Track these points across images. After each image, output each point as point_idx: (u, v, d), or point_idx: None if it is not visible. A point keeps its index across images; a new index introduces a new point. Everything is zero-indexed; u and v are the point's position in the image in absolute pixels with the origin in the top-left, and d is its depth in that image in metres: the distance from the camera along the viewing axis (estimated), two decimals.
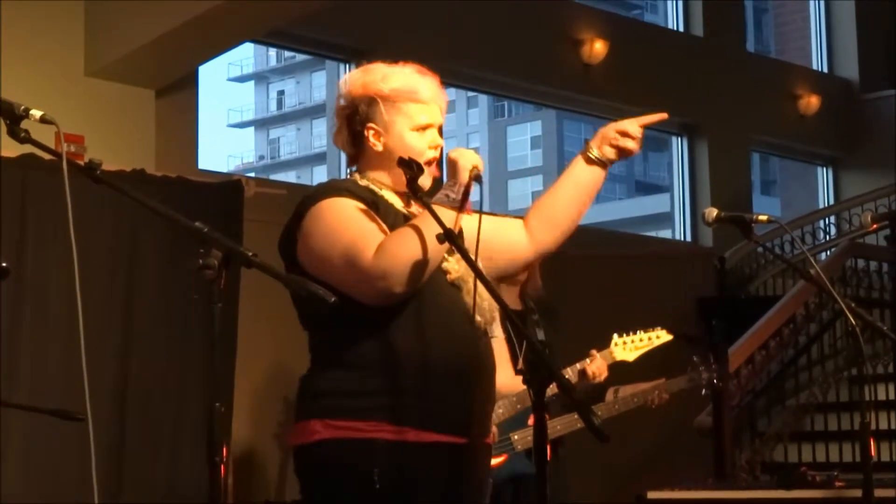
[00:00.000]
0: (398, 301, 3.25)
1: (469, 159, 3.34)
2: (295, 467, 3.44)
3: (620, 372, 5.53)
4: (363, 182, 3.47)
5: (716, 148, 13.64)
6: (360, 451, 3.27)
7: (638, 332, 5.37)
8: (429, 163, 3.45)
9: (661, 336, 5.42)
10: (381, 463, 3.26)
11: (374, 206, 3.38)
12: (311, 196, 3.40)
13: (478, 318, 3.40)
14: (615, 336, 5.36)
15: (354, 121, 3.50)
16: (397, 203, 3.47)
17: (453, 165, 3.35)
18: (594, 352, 5.32)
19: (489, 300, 3.39)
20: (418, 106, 3.48)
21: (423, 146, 3.46)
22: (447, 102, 3.58)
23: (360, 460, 3.27)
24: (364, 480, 3.26)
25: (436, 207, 3.26)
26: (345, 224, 3.30)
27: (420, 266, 3.22)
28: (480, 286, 3.34)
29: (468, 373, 3.36)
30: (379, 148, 3.48)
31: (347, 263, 3.23)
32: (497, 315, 3.47)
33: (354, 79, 3.54)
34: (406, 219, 3.39)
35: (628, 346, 5.34)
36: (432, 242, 3.20)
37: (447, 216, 3.25)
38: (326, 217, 3.32)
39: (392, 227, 3.32)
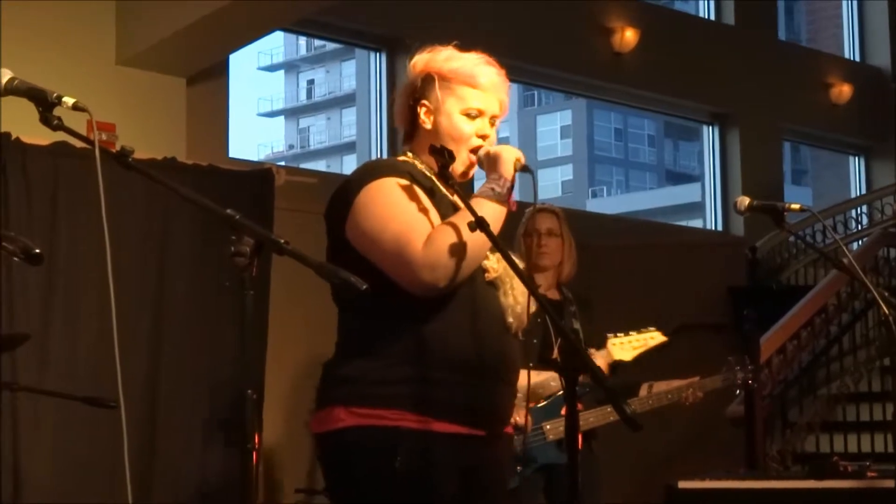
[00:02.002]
0: (441, 293, 3.24)
1: (512, 153, 3.34)
2: (318, 454, 3.44)
3: (652, 363, 5.53)
4: (421, 166, 3.46)
5: (747, 137, 13.59)
6: (384, 438, 3.25)
7: (631, 333, 5.37)
8: (473, 150, 3.44)
9: (655, 337, 5.43)
10: (404, 451, 3.25)
11: (431, 193, 3.36)
12: (364, 173, 3.38)
13: (510, 319, 3.39)
14: (610, 336, 5.36)
15: (411, 97, 3.51)
16: (442, 187, 3.45)
17: (495, 160, 3.34)
18: (592, 350, 5.32)
19: (522, 303, 3.37)
20: (473, 91, 3.46)
21: (470, 132, 3.44)
22: (508, 94, 3.55)
23: (383, 448, 3.25)
24: (387, 468, 3.25)
25: (482, 201, 3.25)
26: (398, 208, 3.27)
27: (467, 260, 3.20)
28: (516, 289, 3.35)
29: (495, 370, 3.36)
30: (428, 126, 3.47)
31: (397, 250, 3.21)
32: (526, 320, 3.44)
33: (419, 57, 3.55)
34: (455, 209, 3.36)
35: (625, 346, 5.35)
36: (479, 237, 3.16)
37: (494, 210, 3.24)
38: (380, 198, 3.29)
39: (444, 218, 3.30)
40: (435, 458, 3.28)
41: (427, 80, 3.49)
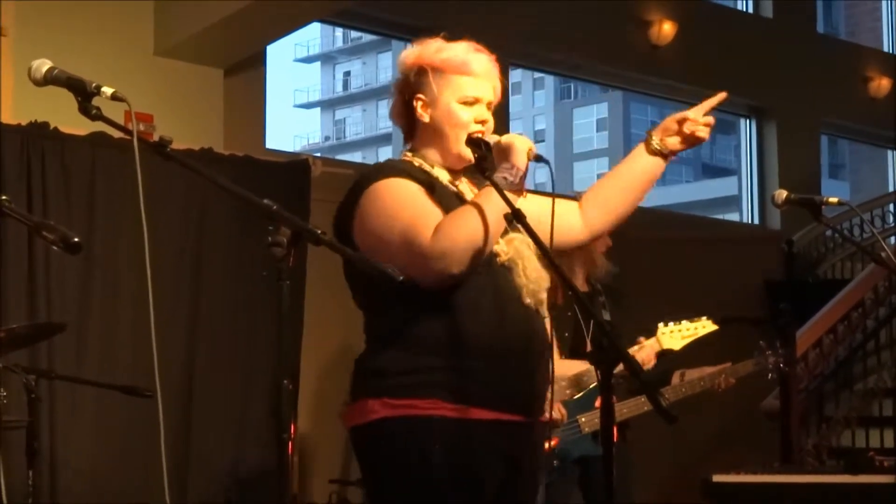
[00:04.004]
0: (454, 282, 3.25)
1: (525, 143, 3.35)
2: (353, 447, 3.45)
3: (686, 356, 5.51)
4: (417, 162, 3.47)
5: (785, 131, 13.53)
6: (419, 428, 3.27)
7: (683, 321, 5.34)
8: (471, 138, 3.44)
9: (706, 325, 5.38)
10: (441, 440, 3.26)
11: (430, 187, 3.38)
12: (367, 175, 3.40)
13: (527, 299, 3.39)
14: (661, 325, 5.33)
15: (406, 92, 3.51)
16: (445, 179, 3.47)
17: (506, 150, 3.34)
18: (642, 339, 5.30)
19: (536, 282, 3.39)
20: (467, 79, 3.46)
21: (468, 119, 3.45)
22: (501, 81, 3.55)
23: (419, 438, 3.27)
24: (423, 458, 3.26)
25: (492, 189, 3.25)
26: (403, 205, 3.30)
27: (478, 247, 3.22)
28: (528, 269, 3.36)
29: (525, 352, 3.37)
30: (426, 119, 3.47)
31: (405, 244, 3.22)
32: (545, 297, 3.45)
33: (410, 51, 3.55)
34: (460, 199, 3.39)
35: (675, 335, 5.31)
36: (492, 223, 3.20)
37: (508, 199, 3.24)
38: (384, 197, 3.32)
39: (447, 209, 3.31)
40: (473, 447, 3.29)
41: (420, 74, 3.48)
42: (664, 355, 5.37)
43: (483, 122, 3.46)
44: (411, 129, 3.55)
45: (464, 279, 3.26)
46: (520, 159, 3.32)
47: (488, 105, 3.50)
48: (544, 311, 3.47)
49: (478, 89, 3.47)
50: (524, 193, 3.35)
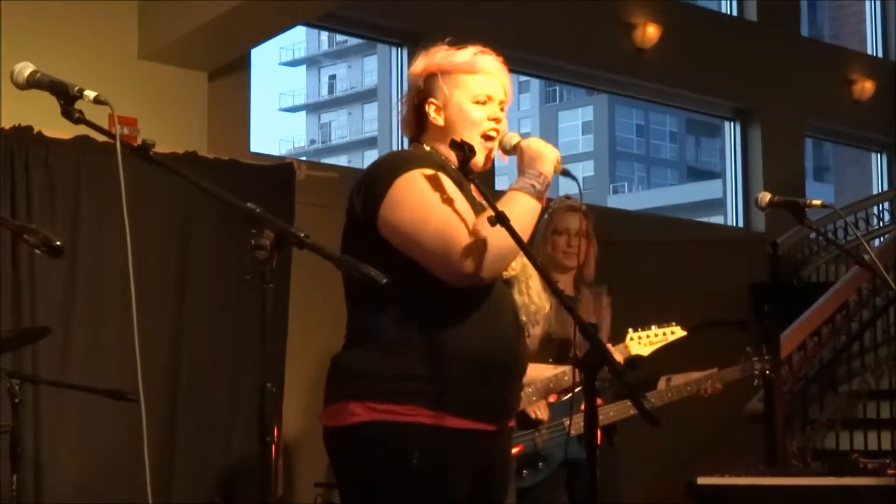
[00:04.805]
0: (481, 286, 3.24)
1: (553, 153, 3.34)
2: (328, 449, 3.44)
3: (673, 360, 5.52)
4: (436, 157, 3.44)
5: (769, 133, 13.55)
6: (400, 434, 3.26)
7: (652, 327, 5.34)
8: (487, 136, 3.44)
9: (675, 332, 5.38)
10: (421, 446, 3.25)
11: (460, 185, 3.35)
12: (398, 163, 3.37)
13: (522, 317, 3.39)
14: (630, 331, 5.33)
15: (417, 98, 3.50)
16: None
17: (535, 157, 3.33)
18: (609, 346, 5.29)
19: (537, 303, 3.39)
20: (477, 77, 3.46)
21: (481, 118, 3.44)
22: (510, 81, 3.54)
23: (399, 443, 3.26)
24: (403, 463, 3.25)
25: (520, 195, 3.26)
26: (437, 201, 3.26)
27: (508, 255, 3.22)
28: (532, 288, 3.35)
29: (508, 367, 3.38)
30: (440, 122, 3.46)
31: (441, 243, 3.20)
32: (539, 319, 3.45)
33: (417, 61, 3.56)
34: (474, 203, 3.36)
35: (643, 341, 5.32)
36: (521, 231, 3.17)
37: (532, 206, 3.26)
38: (417, 190, 3.28)
39: (473, 210, 3.29)
40: (450, 455, 3.29)
41: (430, 79, 3.49)
42: (633, 361, 5.39)
43: (497, 121, 3.46)
44: (420, 134, 3.54)
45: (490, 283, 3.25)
46: (547, 169, 3.32)
47: (500, 104, 3.49)
48: (532, 330, 3.47)
49: (488, 87, 3.47)
50: (544, 203, 3.34)
